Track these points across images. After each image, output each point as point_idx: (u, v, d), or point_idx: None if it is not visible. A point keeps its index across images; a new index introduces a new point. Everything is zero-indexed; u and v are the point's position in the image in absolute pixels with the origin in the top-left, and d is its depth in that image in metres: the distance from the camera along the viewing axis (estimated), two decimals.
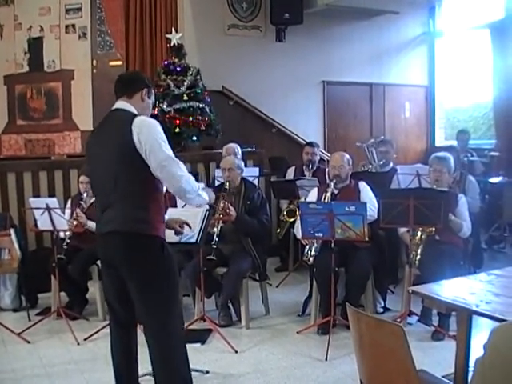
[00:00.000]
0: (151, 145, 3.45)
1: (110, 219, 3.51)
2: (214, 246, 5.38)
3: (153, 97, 3.83)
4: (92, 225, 5.88)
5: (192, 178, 3.60)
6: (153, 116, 7.98)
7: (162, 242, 3.60)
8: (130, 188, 3.50)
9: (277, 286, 6.98)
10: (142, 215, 3.50)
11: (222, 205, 5.47)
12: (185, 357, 3.68)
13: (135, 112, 3.62)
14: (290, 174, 7.81)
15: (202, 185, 3.77)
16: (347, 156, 5.86)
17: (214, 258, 5.33)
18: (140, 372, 3.90)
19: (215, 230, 5.42)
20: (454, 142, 9.21)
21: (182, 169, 3.54)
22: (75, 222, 5.80)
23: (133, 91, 3.69)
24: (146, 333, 3.61)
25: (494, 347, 1.99)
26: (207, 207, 4.97)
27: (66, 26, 9.06)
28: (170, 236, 4.31)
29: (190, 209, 5.02)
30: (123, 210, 3.49)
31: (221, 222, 5.49)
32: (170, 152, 3.53)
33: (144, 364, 3.88)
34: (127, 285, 3.56)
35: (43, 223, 5.62)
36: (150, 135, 3.46)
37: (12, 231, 6.06)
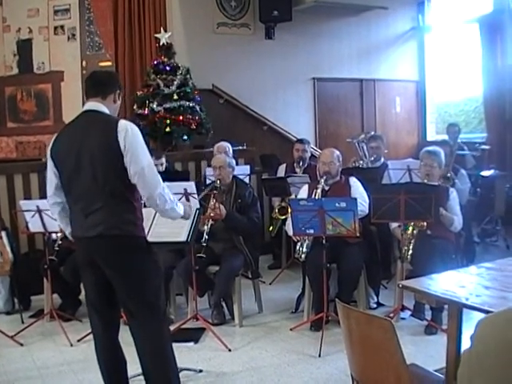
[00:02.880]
0: (134, 151, 3.45)
1: (97, 223, 3.48)
2: (204, 244, 5.38)
3: (121, 98, 3.82)
4: None
5: (168, 190, 3.60)
6: (143, 116, 8.03)
7: (147, 241, 3.67)
8: (117, 191, 3.49)
9: (270, 284, 6.98)
10: (129, 217, 3.53)
11: (212, 203, 5.48)
12: (173, 354, 3.72)
13: (108, 113, 3.62)
14: (281, 171, 7.80)
15: (177, 201, 3.72)
16: (337, 152, 5.86)
17: (203, 255, 5.33)
18: (130, 373, 3.88)
19: (205, 227, 5.42)
20: (445, 136, 9.21)
21: (159, 179, 3.56)
22: None
23: (107, 92, 3.66)
24: (136, 330, 3.64)
25: (480, 338, 2.00)
26: (197, 206, 4.98)
27: (55, 28, 9.06)
28: (160, 235, 4.32)
29: None
30: (112, 213, 3.49)
31: (211, 220, 5.49)
32: (151, 159, 3.57)
33: (134, 366, 3.85)
34: (113, 284, 3.58)
35: (34, 225, 5.60)
36: (134, 141, 3.47)
37: (3, 234, 6.05)
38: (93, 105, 3.63)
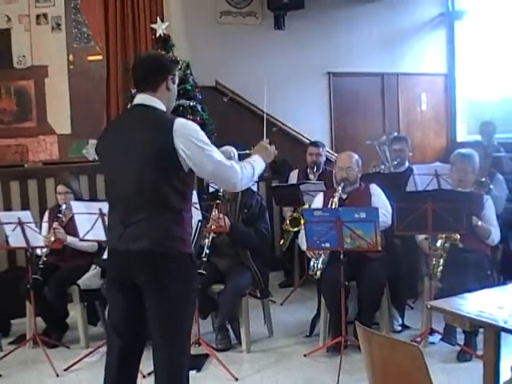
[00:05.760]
0: (199, 155, 3.44)
1: (139, 236, 3.42)
2: (204, 259, 5.37)
3: (177, 80, 3.75)
4: (72, 240, 5.88)
5: (245, 171, 3.60)
6: None
7: (192, 257, 3.61)
8: (168, 200, 3.44)
9: (281, 304, 7.00)
10: (178, 232, 3.48)
11: (214, 214, 5.46)
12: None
13: (163, 107, 3.59)
14: (293, 177, 7.82)
15: (253, 164, 3.71)
16: (356, 156, 5.87)
17: (203, 272, 5.30)
18: None
19: (206, 241, 5.41)
20: (479, 137, 9.18)
21: (235, 169, 3.54)
22: (53, 238, 5.78)
23: (158, 82, 3.61)
24: (161, 356, 3.54)
25: None
26: (200, 217, 4.98)
27: (37, 16, 9.06)
28: None
29: None
30: (158, 226, 3.44)
31: (212, 233, 5.48)
32: (218, 155, 3.53)
33: None
34: (147, 307, 3.50)
35: (15, 240, 5.60)
36: (195, 144, 3.44)
37: None
38: (144, 98, 3.59)
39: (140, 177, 3.43)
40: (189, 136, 3.45)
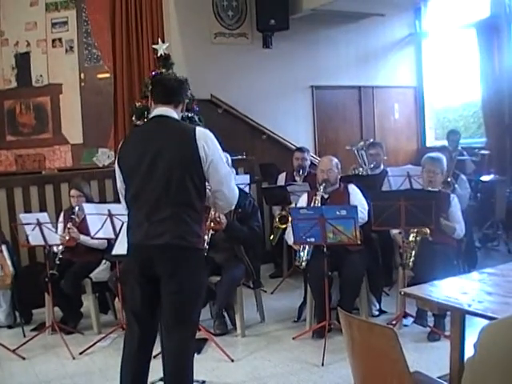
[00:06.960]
0: (215, 160, 3.49)
1: (163, 231, 3.44)
2: (205, 254, 5.36)
3: None
4: (84, 238, 5.87)
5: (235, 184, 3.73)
6: None
7: (204, 253, 3.74)
8: (189, 201, 3.47)
9: (271, 293, 6.97)
10: (195, 229, 3.52)
11: (212, 213, 5.46)
12: (193, 366, 3.69)
13: (180, 120, 3.67)
14: (281, 180, 7.80)
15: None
16: (336, 160, 5.86)
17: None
18: None
19: (205, 238, 5.40)
20: (445, 142, 9.22)
21: (235, 185, 3.68)
22: (67, 237, 5.78)
23: (179, 100, 3.67)
24: (172, 338, 3.56)
25: (483, 345, 1.98)
26: None
27: (53, 40, 9.09)
28: None
29: None
30: (179, 222, 3.46)
31: (211, 230, 5.48)
32: (228, 168, 3.65)
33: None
34: (165, 294, 3.52)
35: (35, 238, 5.59)
36: (214, 150, 3.50)
37: (4, 247, 6.05)
38: (165, 110, 3.61)
39: (167, 178, 3.45)
40: (211, 144, 3.51)
